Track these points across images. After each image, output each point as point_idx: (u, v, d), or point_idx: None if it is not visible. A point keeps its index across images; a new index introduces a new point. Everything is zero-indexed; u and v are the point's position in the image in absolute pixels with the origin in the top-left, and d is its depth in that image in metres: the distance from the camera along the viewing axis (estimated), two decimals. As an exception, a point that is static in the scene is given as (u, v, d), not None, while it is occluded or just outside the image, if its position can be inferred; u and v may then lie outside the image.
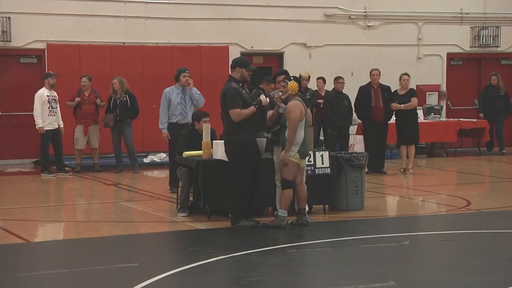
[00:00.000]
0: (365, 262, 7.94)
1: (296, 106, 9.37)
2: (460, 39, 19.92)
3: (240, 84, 9.59)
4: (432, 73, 19.47)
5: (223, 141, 9.81)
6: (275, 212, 9.70)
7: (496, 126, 18.51)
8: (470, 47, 20.08)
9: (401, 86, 14.94)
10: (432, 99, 18.98)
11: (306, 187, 9.80)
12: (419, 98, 15.51)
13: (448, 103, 19.78)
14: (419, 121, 15.33)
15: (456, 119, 18.39)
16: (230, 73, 9.82)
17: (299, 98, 9.53)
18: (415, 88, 15.96)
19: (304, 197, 9.58)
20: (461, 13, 19.87)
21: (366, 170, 14.57)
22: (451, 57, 19.98)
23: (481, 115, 18.61)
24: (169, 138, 12.36)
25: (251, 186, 9.49)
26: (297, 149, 9.34)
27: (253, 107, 9.46)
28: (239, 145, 9.41)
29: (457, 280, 7.20)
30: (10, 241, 9.00)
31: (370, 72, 14.97)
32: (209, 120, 10.78)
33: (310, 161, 10.23)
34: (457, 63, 20.18)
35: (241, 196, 9.42)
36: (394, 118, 15.03)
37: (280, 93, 9.54)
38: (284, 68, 17.96)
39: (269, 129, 9.67)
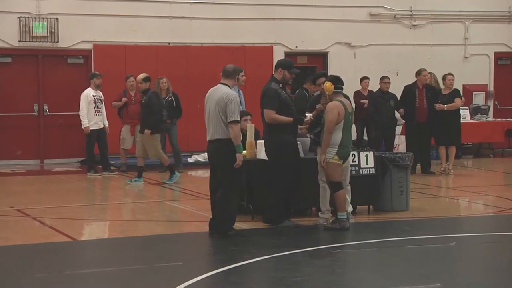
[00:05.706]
0: (410, 263, 7.87)
1: (335, 107, 9.26)
2: (509, 38, 19.61)
3: (281, 85, 9.57)
4: (479, 72, 19.21)
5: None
6: (319, 212, 9.67)
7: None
8: (519, 46, 19.79)
9: (445, 86, 14.76)
10: (479, 99, 18.72)
11: (349, 187, 9.76)
12: (465, 97, 15.25)
13: (496, 103, 19.49)
14: (465, 121, 15.01)
15: (503, 119, 18.12)
16: (273, 73, 9.82)
17: (342, 99, 9.40)
18: (460, 88, 15.72)
19: None
20: (510, 12, 19.57)
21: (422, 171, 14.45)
22: (499, 56, 19.68)
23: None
24: None
25: (292, 186, 9.47)
26: (335, 150, 9.24)
27: (290, 118, 9.42)
28: (279, 145, 9.40)
29: (504, 283, 7.08)
30: (58, 239, 9.13)
31: (421, 72, 14.72)
32: (251, 119, 10.75)
33: (355, 161, 10.18)
34: (505, 63, 19.87)
35: (282, 196, 9.41)
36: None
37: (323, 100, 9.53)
38: (328, 68, 17.95)
39: (310, 130, 9.64)
